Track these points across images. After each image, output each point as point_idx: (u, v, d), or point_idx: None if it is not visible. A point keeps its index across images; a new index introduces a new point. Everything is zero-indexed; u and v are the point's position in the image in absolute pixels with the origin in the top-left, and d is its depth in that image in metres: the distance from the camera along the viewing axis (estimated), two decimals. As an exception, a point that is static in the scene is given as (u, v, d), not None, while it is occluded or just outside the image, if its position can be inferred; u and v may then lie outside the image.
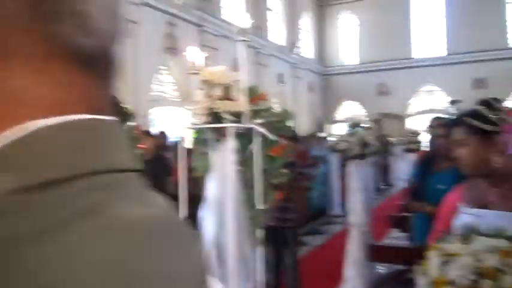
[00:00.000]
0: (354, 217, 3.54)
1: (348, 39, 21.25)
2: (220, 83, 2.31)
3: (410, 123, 18.44)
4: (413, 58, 19.84)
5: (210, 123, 2.28)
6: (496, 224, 1.56)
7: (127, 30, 9.79)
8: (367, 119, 20.50)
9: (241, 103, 2.31)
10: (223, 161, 2.41)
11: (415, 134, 7.23)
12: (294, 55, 18.18)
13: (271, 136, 2.43)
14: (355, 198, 3.52)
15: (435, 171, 3.03)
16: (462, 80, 18.06)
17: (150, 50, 10.52)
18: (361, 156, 3.50)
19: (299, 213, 7.88)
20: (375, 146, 3.44)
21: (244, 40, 2.35)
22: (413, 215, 3.16)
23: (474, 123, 1.67)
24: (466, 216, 1.73)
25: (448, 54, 19.09)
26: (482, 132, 1.66)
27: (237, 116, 2.32)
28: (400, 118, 19.74)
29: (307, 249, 6.77)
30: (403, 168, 8.86)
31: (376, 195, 12.22)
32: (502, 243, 1.47)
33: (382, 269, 3.70)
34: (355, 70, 20.79)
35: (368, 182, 3.58)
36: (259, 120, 2.42)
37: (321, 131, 18.77)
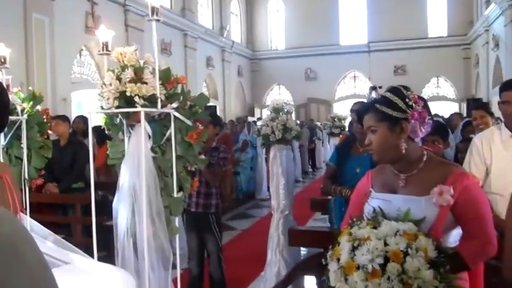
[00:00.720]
0: (276, 201, 3.55)
1: (277, 24, 21.37)
2: (131, 65, 2.18)
3: (336, 109, 19.01)
4: (340, 45, 20.35)
5: (120, 107, 2.14)
6: (404, 208, 1.61)
7: (44, 8, 9.14)
8: (292, 103, 20.92)
9: (154, 86, 2.19)
10: (137, 147, 2.29)
11: (339, 118, 7.43)
12: (223, 39, 18.00)
13: (187, 121, 2.33)
14: (277, 183, 3.53)
15: (353, 155, 3.10)
16: (384, 66, 18.84)
17: (71, 30, 9.91)
18: (284, 141, 3.50)
19: (225, 197, 7.91)
20: (296, 131, 3.46)
21: (156, 19, 2.23)
22: (332, 198, 3.23)
23: (383, 109, 1.69)
24: (376, 201, 1.77)
25: (370, 42, 19.80)
26: (391, 118, 1.68)
27: (151, 100, 2.20)
28: (327, 103, 20.29)
29: (235, 233, 6.80)
30: (328, 153, 9.11)
31: (302, 179, 12.56)
32: (408, 226, 1.51)
33: (305, 253, 3.77)
34: (283, 55, 20.99)
35: (290, 166, 3.61)
36: (174, 105, 2.31)
37: (251, 115, 18.86)
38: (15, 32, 8.55)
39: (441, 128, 3.07)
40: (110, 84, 2.13)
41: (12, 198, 1.34)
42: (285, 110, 3.48)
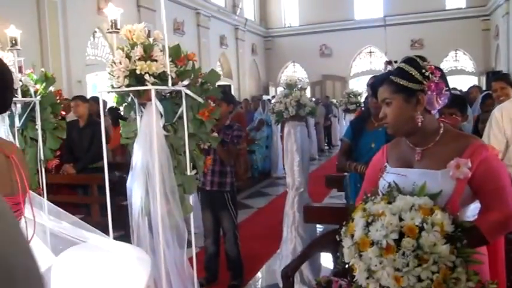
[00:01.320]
0: (291, 179, 3.53)
1: (291, 1, 21.02)
2: (140, 42, 2.15)
3: (352, 85, 18.76)
4: (354, 19, 19.98)
5: (131, 85, 2.12)
6: (419, 183, 1.56)
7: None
8: (307, 80, 20.72)
9: (164, 64, 2.17)
10: (149, 126, 2.28)
11: (354, 94, 7.31)
12: (236, 17, 17.80)
13: (199, 98, 2.31)
14: (291, 160, 3.50)
15: (367, 130, 3.05)
16: (400, 41, 18.46)
17: (83, 12, 9.89)
18: (298, 118, 3.46)
19: (240, 176, 7.92)
20: (310, 107, 3.40)
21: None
22: (347, 174, 3.19)
23: (398, 81, 1.63)
24: (391, 176, 1.73)
25: (385, 16, 19.39)
26: (406, 90, 1.62)
27: (161, 78, 2.18)
28: (342, 80, 20.04)
29: (251, 211, 6.83)
30: (344, 130, 9.02)
31: (318, 157, 12.52)
32: (424, 200, 1.47)
33: (321, 229, 3.76)
34: (297, 32, 20.70)
35: (305, 143, 3.57)
36: (185, 82, 2.29)
37: (266, 94, 18.74)
38: (28, 14, 8.59)
39: (459, 100, 2.99)
40: (120, 63, 2.12)
41: (20, 178, 1.34)
42: (299, 86, 3.43)
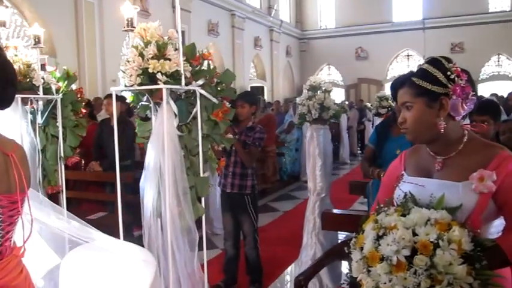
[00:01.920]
0: (312, 183, 3.44)
1: (327, 2, 20.80)
2: (154, 40, 2.12)
3: (388, 89, 18.35)
4: (392, 22, 19.56)
5: (143, 84, 2.09)
6: (438, 194, 1.44)
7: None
8: (342, 83, 20.43)
9: (178, 62, 2.13)
10: (162, 126, 2.24)
11: (386, 98, 7.10)
12: (271, 18, 17.76)
13: (213, 99, 2.26)
14: (313, 164, 3.41)
15: (393, 135, 2.92)
16: (440, 44, 17.91)
17: (119, 12, 10.06)
18: (321, 121, 3.36)
19: (268, 179, 7.84)
20: (334, 110, 3.30)
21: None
22: (370, 181, 3.07)
23: (421, 83, 1.52)
24: (407, 185, 1.60)
25: (424, 19, 18.89)
26: (429, 93, 1.50)
27: (174, 77, 2.14)
28: (378, 83, 19.66)
29: (277, 215, 6.75)
30: (375, 134, 8.80)
31: (350, 161, 12.29)
32: (441, 214, 1.35)
33: (344, 236, 3.65)
34: (333, 34, 20.45)
35: (327, 147, 3.46)
36: (200, 82, 2.24)
37: (300, 96, 18.60)
38: (66, 16, 8.83)
39: (492, 107, 2.82)
40: (133, 61, 2.09)
41: (19, 176, 1.32)
42: (323, 88, 3.33)
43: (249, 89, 15.52)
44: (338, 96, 19.00)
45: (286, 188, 8.62)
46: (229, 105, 2.32)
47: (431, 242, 1.27)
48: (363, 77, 19.57)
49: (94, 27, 9.35)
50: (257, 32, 16.98)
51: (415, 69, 1.62)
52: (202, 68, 2.29)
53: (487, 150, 1.51)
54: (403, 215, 1.38)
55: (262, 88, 16.29)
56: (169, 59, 2.11)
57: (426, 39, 18.61)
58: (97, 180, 4.79)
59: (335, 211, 2.80)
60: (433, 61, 1.56)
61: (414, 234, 1.31)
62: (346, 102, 12.97)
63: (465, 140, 1.55)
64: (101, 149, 4.97)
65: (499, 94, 10.84)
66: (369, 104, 15.38)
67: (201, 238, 5.18)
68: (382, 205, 1.51)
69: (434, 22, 18.49)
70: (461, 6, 17.80)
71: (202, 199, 2.38)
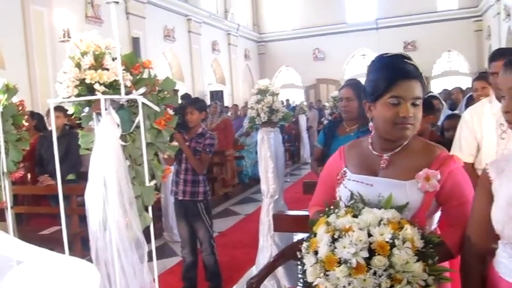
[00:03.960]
0: (265, 186, 3.46)
1: (283, 5, 20.99)
2: (90, 50, 2.08)
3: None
4: (346, 23, 19.96)
5: (81, 95, 2.05)
6: (385, 194, 1.46)
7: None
8: (302, 84, 20.68)
9: (116, 72, 2.10)
10: (105, 136, 2.21)
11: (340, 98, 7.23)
12: (228, 22, 17.78)
13: (155, 107, 2.24)
14: (266, 167, 3.43)
15: (339, 135, 2.99)
16: (393, 43, 18.35)
17: (70, 20, 9.82)
18: (271, 124, 3.40)
19: (227, 183, 7.84)
20: (283, 112, 3.34)
21: (114, 1, 2.12)
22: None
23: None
24: (353, 184, 1.61)
25: (377, 19, 19.39)
26: None
27: (114, 87, 2.11)
28: (336, 83, 19.99)
29: (238, 218, 6.76)
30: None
31: (311, 161, 12.43)
32: (392, 214, 1.36)
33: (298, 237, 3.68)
34: (290, 36, 20.69)
35: (279, 149, 3.50)
36: (141, 91, 2.22)
37: (260, 98, 18.68)
38: (14, 25, 8.52)
39: (425, 105, 2.93)
40: (70, 72, 2.05)
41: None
42: (270, 91, 3.36)
43: (208, 94, 15.48)
44: (297, 97, 19.21)
45: (247, 191, 8.65)
46: (173, 113, 2.31)
47: (387, 242, 1.28)
48: (321, 77, 19.88)
49: (44, 37, 9.06)
50: (214, 36, 16.97)
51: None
52: (143, 76, 2.26)
53: (428, 150, 1.58)
54: (355, 216, 1.38)
55: (221, 92, 16.27)
56: (107, 69, 2.07)
57: (380, 38, 19.09)
58: (48, 193, 4.67)
59: (286, 212, 2.83)
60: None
61: (369, 235, 1.31)
62: (305, 103, 13.11)
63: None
64: (42, 165, 4.87)
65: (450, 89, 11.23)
66: (327, 104, 15.63)
67: (160, 247, 5.13)
68: (331, 207, 1.49)
69: (387, 22, 19.01)
70: (412, 5, 18.38)
71: (150, 208, 2.35)
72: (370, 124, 1.66)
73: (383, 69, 1.56)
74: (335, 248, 1.32)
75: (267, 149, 3.43)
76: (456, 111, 5.70)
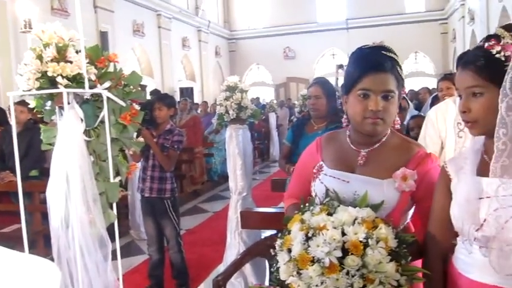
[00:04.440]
0: (234, 183, 3.45)
1: (254, 3, 20.98)
2: (53, 42, 2.02)
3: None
4: (317, 22, 20.13)
5: (42, 88, 1.99)
6: (361, 191, 1.44)
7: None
8: (272, 83, 20.75)
9: (80, 65, 2.04)
10: (68, 131, 2.15)
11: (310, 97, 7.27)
12: (199, 18, 17.64)
13: (120, 102, 2.19)
14: (234, 164, 3.42)
15: (307, 133, 3.00)
16: (362, 43, 18.30)
17: (35, 13, 9.53)
18: (240, 121, 3.38)
19: (196, 180, 7.78)
20: (252, 109, 3.33)
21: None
22: (288, 178, 3.13)
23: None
24: (329, 180, 1.58)
25: (347, 19, 19.64)
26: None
27: (77, 81, 2.06)
28: (306, 82, 20.13)
29: (207, 215, 6.72)
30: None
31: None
32: (366, 212, 1.33)
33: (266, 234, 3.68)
34: (261, 34, 20.69)
35: (247, 146, 3.49)
36: (106, 85, 2.17)
37: (230, 96, 18.60)
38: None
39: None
40: (31, 64, 1.98)
41: None
42: (239, 88, 3.35)
43: (178, 91, 15.33)
44: (268, 95, 19.25)
45: (216, 189, 8.61)
46: (139, 108, 2.27)
47: (361, 241, 1.25)
48: (291, 76, 19.96)
49: (7, 28, 8.76)
50: (185, 32, 16.79)
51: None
52: (109, 70, 2.21)
53: (406, 147, 1.56)
54: (330, 214, 1.35)
55: (191, 89, 16.13)
56: (71, 62, 2.01)
57: (350, 38, 19.32)
58: (9, 190, 4.51)
59: (254, 209, 2.83)
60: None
61: (343, 234, 1.29)
62: (275, 101, 13.16)
63: (388, 132, 1.58)
64: (3, 160, 4.73)
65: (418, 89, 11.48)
66: (297, 102, 15.73)
67: (126, 245, 5.03)
68: (306, 204, 1.46)
69: (357, 22, 19.26)
70: (381, 7, 18.69)
71: (114, 205, 2.31)
72: (344, 117, 1.65)
73: (356, 61, 1.56)
74: (309, 246, 1.29)
75: (235, 146, 3.41)
76: (421, 111, 5.83)
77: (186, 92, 14.94)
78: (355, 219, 1.31)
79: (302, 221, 1.38)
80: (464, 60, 1.29)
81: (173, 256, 3.66)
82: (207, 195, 8.10)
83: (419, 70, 19.55)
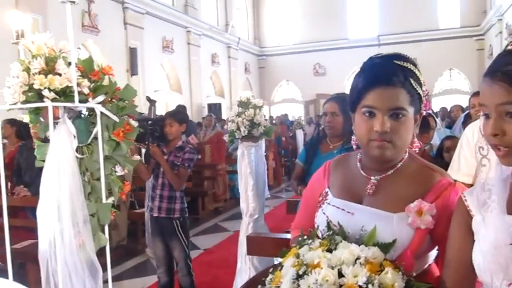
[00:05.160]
0: (245, 204, 3.26)
1: (284, 19, 20.97)
2: (41, 54, 1.91)
3: (346, 104, 18.54)
4: (348, 39, 19.92)
5: (28, 102, 1.87)
6: (369, 226, 1.20)
7: (37, 7, 9.01)
8: (302, 99, 20.57)
9: (69, 78, 1.92)
10: (58, 147, 2.02)
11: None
12: (228, 35, 17.72)
13: (113, 117, 2.06)
14: (246, 184, 3.24)
15: (322, 152, 2.79)
16: (394, 60, 18.30)
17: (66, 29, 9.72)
18: (252, 138, 3.21)
19: (218, 197, 7.62)
20: (265, 126, 3.15)
21: (70, 1, 1.94)
22: (300, 200, 2.92)
23: None
24: (332, 210, 1.35)
25: (379, 35, 19.34)
26: None
27: (66, 94, 1.93)
28: (336, 99, 19.85)
29: (227, 235, 6.54)
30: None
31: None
32: (372, 252, 1.11)
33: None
34: (291, 51, 20.64)
35: (260, 165, 3.31)
36: (99, 99, 2.04)
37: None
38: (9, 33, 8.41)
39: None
40: (18, 77, 1.87)
41: None
42: (252, 104, 3.18)
43: (206, 106, 15.34)
44: (297, 111, 19.08)
45: (239, 207, 8.40)
46: (134, 124, 2.12)
47: (360, 286, 1.04)
48: (321, 92, 19.70)
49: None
50: (214, 49, 16.89)
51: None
52: (103, 83, 2.08)
53: (425, 175, 1.30)
54: (330, 250, 1.15)
55: (219, 105, 16.12)
56: (60, 74, 1.89)
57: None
58: (24, 205, 4.47)
59: (262, 234, 2.63)
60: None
61: (340, 274, 1.08)
62: (302, 118, 12.95)
63: (406, 156, 1.33)
64: (20, 175, 4.71)
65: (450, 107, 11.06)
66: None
67: (142, 264, 4.89)
68: (305, 236, 1.25)
69: (389, 39, 18.92)
70: (414, 23, 18.33)
71: (106, 227, 2.16)
72: (353, 138, 1.42)
73: (362, 73, 1.36)
74: (298, 286, 1.10)
75: (247, 165, 3.23)
76: (452, 130, 5.51)
77: (214, 108, 14.91)
78: (357, 258, 1.10)
79: (297, 256, 1.18)
80: (497, 71, 1.00)
81: (182, 279, 3.49)
82: (229, 213, 7.92)
83: (453, 88, 18.96)
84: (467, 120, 5.18)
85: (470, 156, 2.46)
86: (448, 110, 9.08)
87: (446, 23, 18.82)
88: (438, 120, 5.63)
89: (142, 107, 8.74)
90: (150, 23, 12.47)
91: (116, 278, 4.76)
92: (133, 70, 11.49)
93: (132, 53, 11.53)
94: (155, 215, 3.38)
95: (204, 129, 8.70)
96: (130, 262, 5.23)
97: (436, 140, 3.94)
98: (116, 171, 2.17)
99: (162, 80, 14.11)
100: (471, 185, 2.44)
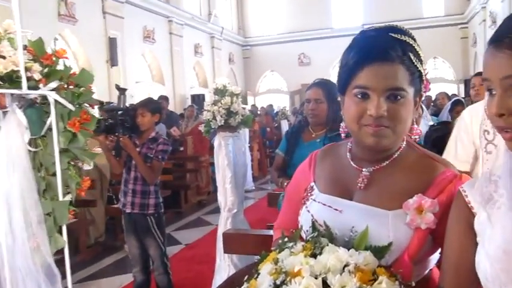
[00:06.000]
0: (223, 198, 3.08)
1: (269, 9, 20.71)
2: (-18, 35, 1.69)
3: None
4: (333, 28, 19.76)
5: (-31, 89, 1.66)
6: (360, 225, 1.02)
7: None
8: (287, 89, 20.41)
9: (15, 61, 1.70)
10: (8, 140, 1.81)
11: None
12: (212, 25, 17.41)
13: (69, 105, 1.85)
14: (223, 176, 3.05)
15: (303, 141, 2.62)
16: (379, 49, 18.20)
17: (42, 19, 9.37)
18: (230, 128, 3.02)
19: (201, 190, 7.42)
20: (242, 115, 2.96)
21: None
22: (282, 193, 2.75)
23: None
24: (318, 207, 1.16)
25: (363, 24, 19.19)
26: None
27: (13, 80, 1.72)
28: (321, 88, 19.72)
29: (209, 229, 6.36)
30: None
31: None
32: (364, 258, 0.93)
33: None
34: (276, 40, 20.42)
35: (239, 157, 3.12)
36: (52, 85, 1.83)
37: (244, 103, 18.29)
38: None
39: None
40: (-45, 61, 1.65)
41: None
42: (229, 91, 2.98)
43: (189, 97, 15.08)
44: (282, 102, 18.91)
45: (223, 199, 8.26)
46: (94, 113, 1.92)
47: None
48: (306, 82, 19.46)
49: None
50: (197, 39, 16.57)
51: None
52: (57, 68, 1.87)
53: (426, 166, 1.11)
54: (314, 255, 0.96)
55: (203, 96, 15.85)
56: (4, 57, 1.68)
57: (366, 44, 18.88)
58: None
59: (239, 231, 2.44)
60: None
61: (325, 284, 0.90)
62: (287, 108, 12.79)
63: (403, 145, 1.15)
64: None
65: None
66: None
67: (120, 261, 4.66)
68: (286, 237, 1.06)
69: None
70: (399, 12, 18.21)
71: (64, 227, 1.95)
72: (342, 125, 1.23)
73: (353, 48, 1.13)
74: None
75: (224, 157, 3.04)
76: (439, 118, 5.38)
77: (198, 99, 14.63)
78: (346, 265, 0.92)
79: (276, 262, 0.99)
80: (498, 34, 0.83)
81: (158, 278, 3.30)
82: (213, 206, 7.72)
83: (438, 76, 18.95)
84: (455, 107, 5.06)
85: (467, 141, 2.26)
86: (433, 98, 8.97)
87: (430, 12, 18.76)
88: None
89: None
90: (130, 12, 12.12)
91: (93, 276, 4.56)
92: (113, 61, 11.17)
93: (112, 43, 11.20)
94: (128, 211, 3.18)
95: (186, 120, 8.48)
96: (108, 259, 5.03)
97: (423, 128, 3.78)
98: (81, 166, 1.97)
99: (144, 71, 13.79)
100: (470, 174, 2.26)
